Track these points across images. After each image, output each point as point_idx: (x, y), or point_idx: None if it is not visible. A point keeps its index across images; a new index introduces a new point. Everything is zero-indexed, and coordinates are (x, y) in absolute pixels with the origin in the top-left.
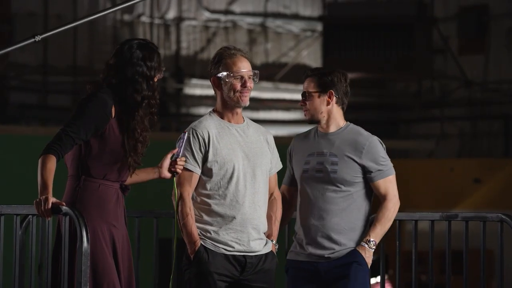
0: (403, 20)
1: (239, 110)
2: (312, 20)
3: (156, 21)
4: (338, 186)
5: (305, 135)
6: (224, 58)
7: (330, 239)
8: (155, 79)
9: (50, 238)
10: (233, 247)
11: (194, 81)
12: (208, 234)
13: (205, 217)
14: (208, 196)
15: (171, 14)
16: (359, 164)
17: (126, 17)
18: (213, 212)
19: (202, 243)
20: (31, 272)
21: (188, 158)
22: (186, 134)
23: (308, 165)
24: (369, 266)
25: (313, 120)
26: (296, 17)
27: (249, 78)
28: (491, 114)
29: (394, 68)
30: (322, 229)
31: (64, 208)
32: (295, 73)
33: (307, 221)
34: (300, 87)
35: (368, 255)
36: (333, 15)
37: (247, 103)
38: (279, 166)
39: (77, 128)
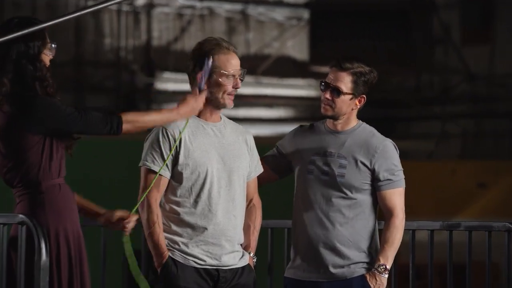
0: (399, 7)
1: (219, 110)
2: (298, 7)
3: (124, 8)
4: (344, 192)
5: (310, 128)
6: (215, 53)
7: (334, 250)
8: (42, 58)
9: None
10: (204, 261)
11: (167, 74)
12: (177, 246)
13: (174, 227)
14: (178, 204)
15: (141, 0)
16: (369, 169)
17: (90, 3)
18: (183, 221)
19: (170, 255)
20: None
21: (156, 160)
22: (211, 60)
23: (313, 165)
24: None
25: (332, 117)
26: (280, 3)
27: (239, 78)
28: (497, 111)
29: (389, 60)
30: (324, 240)
31: (21, 216)
32: (279, 66)
33: (308, 230)
34: (285, 82)
35: (379, 282)
36: (321, 1)
37: (232, 106)
38: (260, 169)
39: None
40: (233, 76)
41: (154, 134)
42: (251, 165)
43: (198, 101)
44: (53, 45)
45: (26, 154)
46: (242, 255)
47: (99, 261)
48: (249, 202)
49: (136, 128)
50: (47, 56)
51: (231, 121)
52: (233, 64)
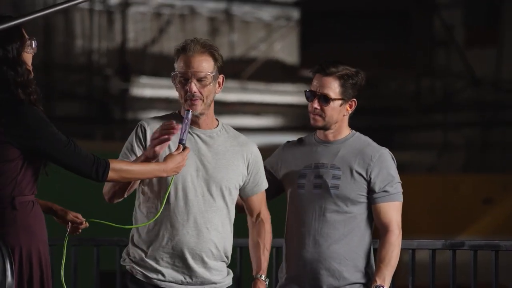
0: (397, 6)
1: (201, 117)
2: (287, 5)
3: (97, 6)
4: (339, 206)
5: (299, 142)
6: (178, 54)
7: (329, 270)
8: (23, 59)
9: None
10: (169, 277)
11: (144, 79)
12: (137, 258)
13: (137, 238)
14: (146, 209)
15: None
16: (365, 179)
17: (60, 1)
18: (148, 230)
19: (129, 271)
20: None
21: (126, 154)
22: (190, 113)
23: (304, 179)
24: None
25: (324, 128)
26: (267, 2)
27: (201, 81)
28: (505, 120)
29: (386, 63)
30: (318, 258)
31: None
32: (267, 70)
33: (300, 248)
34: (273, 87)
35: None
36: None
37: (197, 111)
38: (264, 185)
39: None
40: (186, 79)
41: (132, 132)
42: (251, 181)
43: (184, 158)
44: (32, 41)
45: (6, 167)
46: (226, 275)
47: (69, 281)
48: (257, 216)
49: (121, 178)
50: (28, 55)
51: (234, 131)
52: (184, 65)
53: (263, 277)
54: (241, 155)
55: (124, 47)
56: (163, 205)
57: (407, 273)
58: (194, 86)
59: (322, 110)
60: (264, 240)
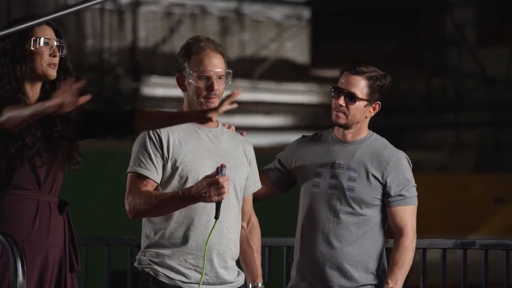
0: (408, 5)
1: None
2: (298, 5)
3: (108, 6)
4: (353, 208)
5: (315, 138)
6: (191, 53)
7: (341, 271)
8: (29, 54)
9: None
10: (190, 278)
11: (155, 79)
12: (160, 260)
13: (158, 239)
14: None
15: None
16: (380, 183)
17: (71, 1)
18: (168, 232)
19: (153, 274)
20: None
21: (143, 163)
22: (225, 169)
23: (319, 177)
24: None
25: (345, 126)
26: (278, 1)
27: (220, 78)
28: None
29: (397, 63)
30: (331, 259)
31: None
32: (277, 70)
33: (312, 248)
34: (284, 87)
35: None
36: None
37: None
38: (258, 185)
39: None
40: (207, 77)
41: (141, 138)
42: (250, 179)
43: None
44: (40, 39)
45: None
46: (238, 274)
47: (80, 280)
48: (248, 221)
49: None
50: (38, 52)
51: (229, 130)
52: (205, 64)
53: (260, 284)
54: (243, 153)
55: (135, 47)
56: (210, 233)
57: (418, 272)
58: (216, 84)
59: (347, 108)
60: (257, 247)
